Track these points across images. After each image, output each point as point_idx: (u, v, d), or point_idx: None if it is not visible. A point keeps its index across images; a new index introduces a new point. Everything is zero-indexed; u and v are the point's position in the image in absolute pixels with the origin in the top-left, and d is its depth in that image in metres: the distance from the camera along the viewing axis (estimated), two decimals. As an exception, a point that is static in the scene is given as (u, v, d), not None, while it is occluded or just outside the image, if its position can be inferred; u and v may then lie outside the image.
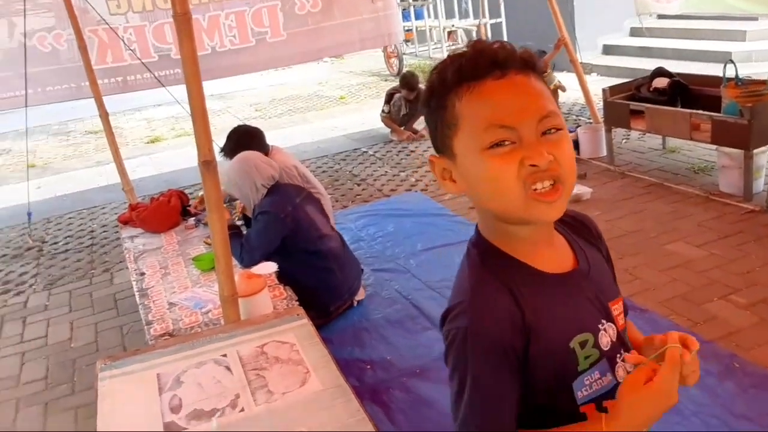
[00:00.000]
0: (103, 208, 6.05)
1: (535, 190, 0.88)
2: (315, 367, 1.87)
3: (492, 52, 0.90)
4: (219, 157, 3.20)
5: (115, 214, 5.60)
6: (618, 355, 0.99)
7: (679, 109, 4.69)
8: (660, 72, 5.16)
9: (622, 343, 1.01)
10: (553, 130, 0.89)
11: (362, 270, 3.58)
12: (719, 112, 4.31)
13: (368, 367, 2.97)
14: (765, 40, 7.73)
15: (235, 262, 2.62)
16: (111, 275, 4.54)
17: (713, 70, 5.23)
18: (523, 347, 0.92)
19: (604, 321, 0.99)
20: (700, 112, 4.43)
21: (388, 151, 6.69)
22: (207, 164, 2.09)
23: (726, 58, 4.65)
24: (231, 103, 10.54)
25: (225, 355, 1.96)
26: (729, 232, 3.84)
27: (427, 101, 0.96)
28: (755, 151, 4.16)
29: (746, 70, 4.44)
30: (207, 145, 2.09)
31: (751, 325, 2.93)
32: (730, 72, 4.32)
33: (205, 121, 2.07)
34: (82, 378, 3.34)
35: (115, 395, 1.81)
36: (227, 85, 9.99)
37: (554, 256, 0.99)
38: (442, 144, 0.95)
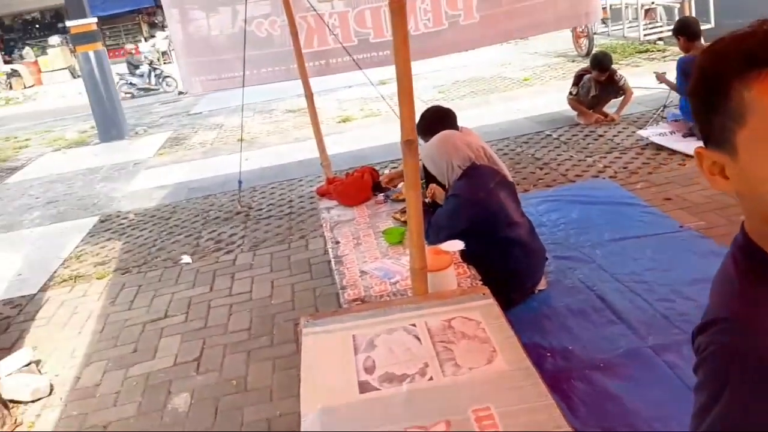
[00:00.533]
0: (300, 180, 6.51)
1: None
2: (501, 347, 1.88)
3: None
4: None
5: (311, 186, 6.05)
6: None
7: None
8: None
9: None
10: None
11: (547, 259, 3.51)
12: None
13: (548, 354, 2.91)
14: None
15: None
16: (306, 242, 4.88)
17: None
18: None
19: None
20: None
21: (573, 135, 6.46)
22: (409, 143, 2.16)
23: None
24: (415, 84, 10.70)
25: (414, 325, 2.04)
26: None
27: (700, 87, 0.85)
28: None
29: None
30: (411, 125, 2.17)
31: None
32: None
33: (410, 103, 2.16)
34: (281, 332, 3.63)
35: (316, 350, 1.95)
36: (412, 67, 10.20)
37: None
38: (720, 137, 0.83)
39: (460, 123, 3.90)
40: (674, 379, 2.59)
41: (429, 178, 3.58)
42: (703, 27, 8.33)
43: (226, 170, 7.09)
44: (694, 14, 9.37)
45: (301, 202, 5.86)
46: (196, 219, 5.85)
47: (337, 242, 3.12)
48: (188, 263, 4.84)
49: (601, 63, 6.53)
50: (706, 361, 0.85)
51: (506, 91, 9.51)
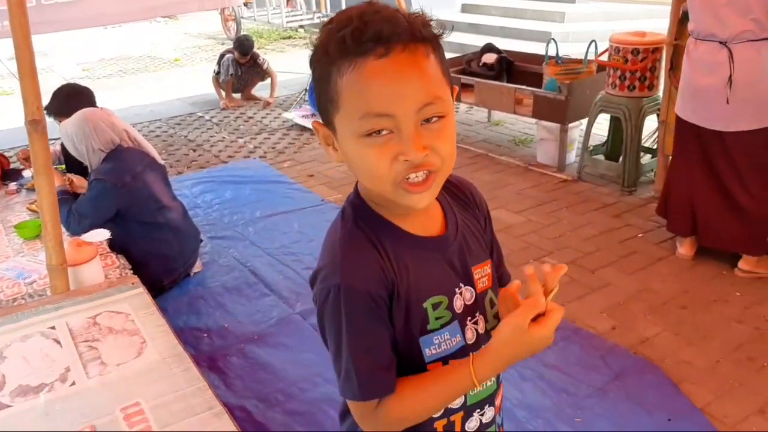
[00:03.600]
0: None
1: (408, 179, 0.88)
2: (152, 337, 1.85)
3: (377, 25, 0.83)
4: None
5: None
6: (469, 318, 1.04)
7: (505, 84, 5.03)
8: (489, 48, 5.47)
9: (478, 305, 1.05)
10: (435, 118, 0.87)
11: (201, 241, 3.53)
12: (540, 88, 4.68)
13: (205, 335, 2.95)
14: (581, 21, 8.46)
15: (63, 229, 2.48)
16: None
17: (534, 48, 5.63)
18: (389, 299, 0.95)
19: (462, 285, 1.02)
20: (524, 87, 4.78)
21: (225, 117, 6.56)
22: (35, 124, 1.96)
23: (546, 38, 5.04)
24: (54, 61, 9.68)
25: (53, 328, 1.89)
26: (545, 199, 4.23)
27: (311, 67, 0.92)
28: (570, 125, 4.58)
29: (564, 50, 4.86)
30: (35, 103, 1.96)
31: (561, 284, 3.26)
32: (551, 51, 4.70)
33: (33, 78, 1.94)
34: None
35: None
36: (50, 42, 9.18)
37: (425, 221, 1.01)
38: (324, 116, 0.93)
39: (108, 104, 3.67)
40: (319, 339, 2.79)
41: (69, 161, 3.29)
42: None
43: None
44: (329, 7, 10.19)
45: None
46: None
47: (-46, 244, 2.68)
48: None
49: (242, 45, 6.80)
50: (324, 307, 0.95)
51: (157, 71, 9.21)
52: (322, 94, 0.91)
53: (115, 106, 3.70)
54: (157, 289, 2.96)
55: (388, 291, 0.94)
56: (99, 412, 1.54)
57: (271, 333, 2.93)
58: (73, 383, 1.65)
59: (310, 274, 1.00)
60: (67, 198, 2.94)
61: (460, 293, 1.02)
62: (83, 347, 1.80)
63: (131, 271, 2.46)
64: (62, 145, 3.27)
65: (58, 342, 1.82)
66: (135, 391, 1.62)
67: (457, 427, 1.07)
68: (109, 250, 2.63)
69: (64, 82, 4.37)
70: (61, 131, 3.13)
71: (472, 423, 1.08)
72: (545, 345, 0.94)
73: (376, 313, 0.94)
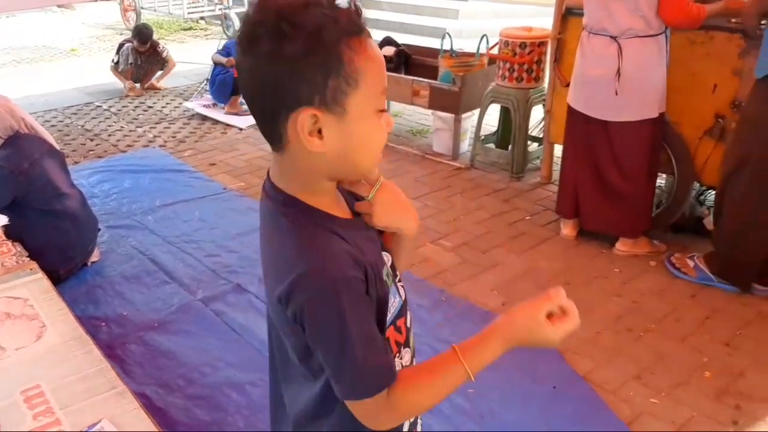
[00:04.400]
0: None
1: None
2: (52, 321, 1.85)
3: (352, 9, 0.89)
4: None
5: None
6: (395, 278, 1.09)
7: (403, 76, 5.19)
8: (387, 41, 5.62)
9: (393, 267, 1.11)
10: None
11: (99, 230, 3.47)
12: (436, 80, 4.86)
13: (102, 324, 2.91)
14: (474, 18, 8.84)
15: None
16: None
17: (430, 42, 5.83)
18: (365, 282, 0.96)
19: (384, 252, 1.08)
20: (421, 79, 4.95)
21: (123, 106, 6.40)
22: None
23: (441, 33, 5.23)
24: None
25: (-55, 316, 1.85)
26: (440, 186, 4.43)
27: (310, 48, 0.84)
28: (463, 115, 4.79)
29: (458, 44, 5.06)
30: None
31: (455, 264, 3.45)
32: (446, 45, 4.88)
33: None
34: None
35: None
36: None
37: (341, 206, 1.04)
38: (333, 99, 0.87)
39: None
40: (221, 324, 2.90)
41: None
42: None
43: None
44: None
45: None
46: None
47: None
48: None
49: (141, 33, 6.71)
50: (314, 313, 0.91)
51: (52, 61, 8.85)
52: (334, 75, 0.86)
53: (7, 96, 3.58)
54: (52, 279, 2.88)
55: (363, 271, 0.95)
56: (-2, 397, 1.55)
57: (172, 320, 2.94)
58: (-33, 369, 1.64)
59: (281, 292, 0.92)
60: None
61: (387, 259, 1.08)
62: (-22, 334, 1.78)
63: (29, 258, 2.42)
64: None
65: (-50, 330, 1.79)
66: (35, 375, 1.62)
67: None
68: (4, 237, 2.56)
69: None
70: None
71: None
72: (549, 345, 1.01)
73: (364, 296, 0.94)
